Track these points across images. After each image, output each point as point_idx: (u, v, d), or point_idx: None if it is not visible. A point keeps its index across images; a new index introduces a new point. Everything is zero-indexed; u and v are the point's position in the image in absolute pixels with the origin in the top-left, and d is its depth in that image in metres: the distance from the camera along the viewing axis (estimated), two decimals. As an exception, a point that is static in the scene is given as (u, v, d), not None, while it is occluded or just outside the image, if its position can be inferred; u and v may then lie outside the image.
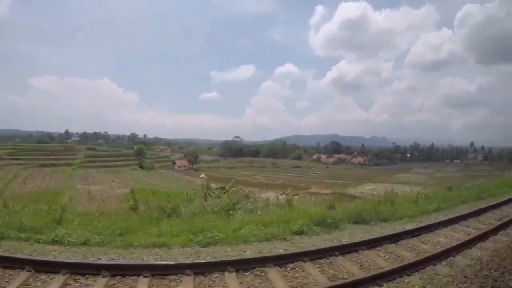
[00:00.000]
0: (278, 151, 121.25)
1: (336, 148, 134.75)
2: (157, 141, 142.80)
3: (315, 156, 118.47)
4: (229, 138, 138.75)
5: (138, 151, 67.77)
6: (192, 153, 74.13)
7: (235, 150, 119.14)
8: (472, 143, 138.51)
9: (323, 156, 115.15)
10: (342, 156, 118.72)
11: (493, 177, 24.00)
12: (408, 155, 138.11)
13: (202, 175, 59.27)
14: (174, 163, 71.62)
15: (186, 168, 70.01)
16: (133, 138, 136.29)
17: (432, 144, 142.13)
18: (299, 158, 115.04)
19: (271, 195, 36.97)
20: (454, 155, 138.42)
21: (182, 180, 53.99)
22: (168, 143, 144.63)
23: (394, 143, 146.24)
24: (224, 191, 14.22)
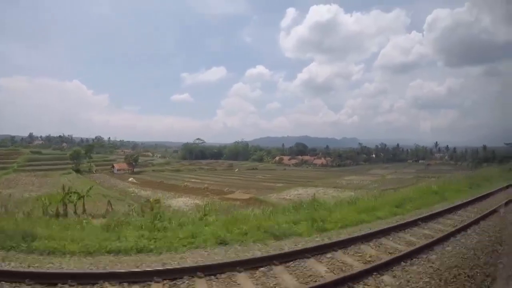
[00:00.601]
0: (240, 153, 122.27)
1: (301, 150, 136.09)
2: (122, 144, 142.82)
3: (277, 158, 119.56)
4: (200, 140, 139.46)
5: (75, 155, 68.15)
6: (131, 156, 74.70)
7: (196, 153, 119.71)
8: (436, 143, 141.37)
9: (285, 158, 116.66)
10: (305, 157, 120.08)
11: (440, 179, 25.67)
12: (374, 156, 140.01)
13: (130, 179, 60.09)
14: (113, 166, 72.22)
15: (125, 171, 70.62)
16: (98, 141, 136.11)
17: (398, 144, 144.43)
18: (260, 160, 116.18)
19: (183, 200, 37.85)
20: (420, 155, 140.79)
21: (105, 184, 54.55)
22: (134, 146, 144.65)
23: (360, 143, 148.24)
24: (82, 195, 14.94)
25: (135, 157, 75.26)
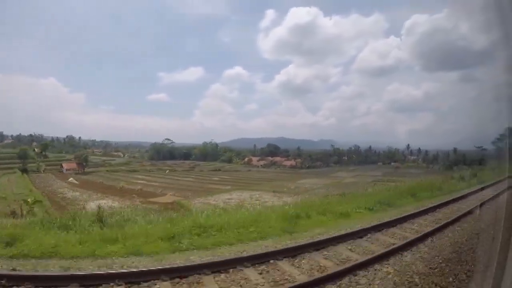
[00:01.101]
0: (209, 154, 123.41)
1: (272, 151, 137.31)
2: (94, 144, 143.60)
3: (246, 159, 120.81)
4: (177, 141, 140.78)
5: (21, 154, 69.12)
6: (81, 156, 75.77)
7: (164, 153, 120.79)
8: (408, 146, 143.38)
9: (254, 159, 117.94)
10: (276, 158, 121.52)
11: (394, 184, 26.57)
12: (346, 158, 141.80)
13: (70, 179, 61.07)
14: (61, 166, 73.26)
15: (74, 171, 71.67)
16: (69, 140, 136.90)
17: (370, 147, 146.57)
18: (229, 161, 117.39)
19: (104, 202, 39.02)
20: (393, 158, 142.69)
21: (40, 184, 55.12)
22: (106, 145, 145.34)
23: (332, 145, 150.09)
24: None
25: (85, 156, 76.21)
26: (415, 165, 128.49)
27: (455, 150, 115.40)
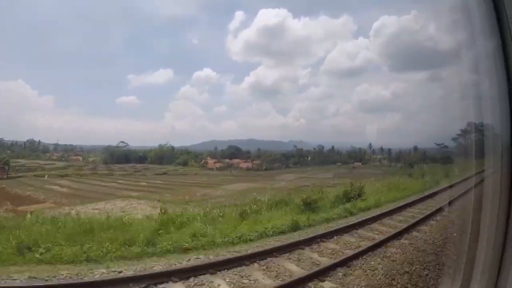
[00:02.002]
0: (166, 157, 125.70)
1: (233, 153, 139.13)
2: (55, 148, 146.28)
3: (202, 162, 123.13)
4: (148, 144, 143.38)
5: None
6: (1, 160, 78.90)
7: (118, 156, 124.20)
8: (370, 145, 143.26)
9: (211, 162, 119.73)
10: (232, 161, 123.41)
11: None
12: (308, 158, 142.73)
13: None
14: (-18, 171, 77.50)
15: (-6, 177, 75.58)
16: (30, 144, 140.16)
17: (333, 147, 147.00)
18: (185, 164, 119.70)
19: None
20: (357, 158, 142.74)
21: None
22: (67, 149, 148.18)
23: (295, 146, 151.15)
24: None
25: (6, 160, 79.60)
26: (377, 164, 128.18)
27: (415, 148, 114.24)
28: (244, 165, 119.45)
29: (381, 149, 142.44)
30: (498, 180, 2.09)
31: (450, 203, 14.22)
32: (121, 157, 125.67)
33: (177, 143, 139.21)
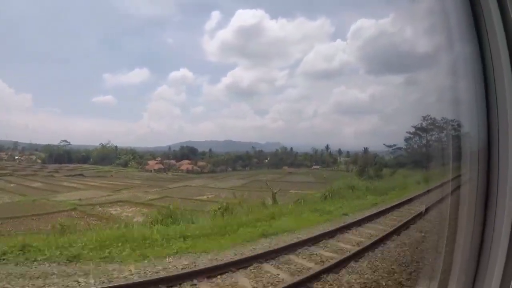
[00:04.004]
0: (108, 157, 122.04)
1: (186, 153, 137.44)
2: (15, 146, 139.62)
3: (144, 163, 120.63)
4: (124, 145, 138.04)
5: None
6: None
7: (58, 156, 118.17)
8: (327, 146, 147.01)
9: (151, 162, 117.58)
10: (172, 162, 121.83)
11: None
12: (267, 161, 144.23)
13: None
14: None
15: None
16: None
17: (291, 148, 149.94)
18: (125, 165, 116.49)
19: None
20: (317, 160, 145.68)
21: None
22: (24, 148, 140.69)
23: (253, 147, 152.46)
24: None
25: None
26: (342, 168, 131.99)
27: (365, 150, 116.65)
28: (184, 167, 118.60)
29: (339, 151, 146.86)
30: (474, 185, 2.15)
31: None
32: (62, 157, 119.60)
33: (154, 144, 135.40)
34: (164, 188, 67.14)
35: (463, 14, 2.25)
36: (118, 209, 37.50)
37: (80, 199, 46.07)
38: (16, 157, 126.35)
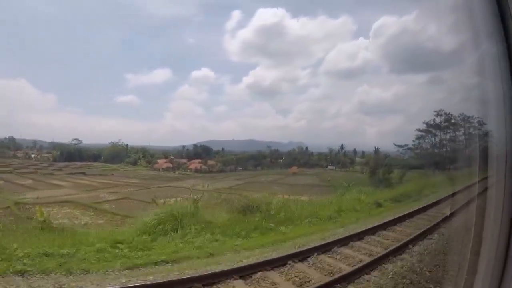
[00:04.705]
0: (119, 155, 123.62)
1: (200, 152, 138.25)
2: (34, 145, 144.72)
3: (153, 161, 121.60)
4: (149, 143, 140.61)
5: None
6: None
7: (69, 154, 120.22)
8: (342, 146, 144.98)
9: (161, 161, 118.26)
10: (183, 161, 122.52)
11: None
12: (281, 160, 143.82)
13: None
14: None
15: None
16: (10, 141, 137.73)
17: (307, 148, 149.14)
18: (134, 163, 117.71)
19: None
20: (333, 160, 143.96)
21: None
22: (41, 147, 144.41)
23: (268, 146, 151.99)
24: None
25: None
26: (358, 169, 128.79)
27: (376, 149, 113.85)
28: (193, 166, 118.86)
29: (354, 151, 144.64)
30: (501, 188, 2.07)
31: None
32: (73, 155, 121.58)
33: (177, 142, 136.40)
34: (148, 187, 64.53)
35: (489, 10, 2.16)
36: (55, 209, 36.68)
37: (38, 197, 45.73)
38: (33, 155, 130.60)
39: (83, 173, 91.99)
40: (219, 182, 77.37)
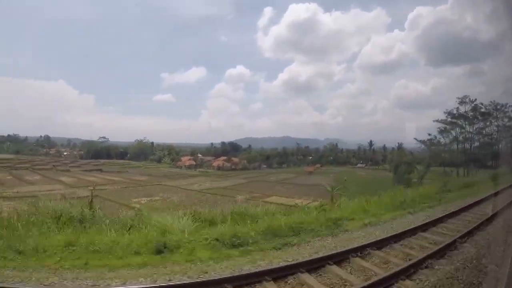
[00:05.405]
0: (145, 153, 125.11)
1: (227, 150, 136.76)
2: (69, 143, 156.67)
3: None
4: (186, 141, 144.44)
5: None
6: None
7: (96, 152, 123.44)
8: (371, 142, 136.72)
9: (184, 159, 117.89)
10: (207, 158, 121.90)
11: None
12: (310, 157, 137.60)
13: None
14: None
15: None
16: (44, 139, 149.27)
17: (336, 144, 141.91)
18: (159, 160, 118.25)
19: None
20: (361, 157, 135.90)
21: None
22: (75, 144, 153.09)
23: (297, 143, 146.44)
24: None
25: None
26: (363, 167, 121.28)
27: (399, 145, 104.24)
28: (216, 163, 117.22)
29: (384, 147, 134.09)
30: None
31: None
32: (101, 152, 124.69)
33: (214, 140, 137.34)
34: (140, 185, 63.89)
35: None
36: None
37: (17, 192, 46.54)
38: (65, 153, 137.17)
39: (100, 170, 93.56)
40: (225, 180, 75.25)
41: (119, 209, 26.02)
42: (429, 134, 68.65)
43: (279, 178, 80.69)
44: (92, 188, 14.99)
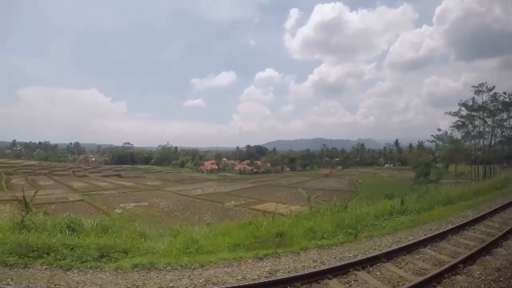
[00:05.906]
0: (168, 158, 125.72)
1: (252, 153, 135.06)
2: (98, 150, 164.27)
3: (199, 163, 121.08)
4: (217, 145, 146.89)
5: None
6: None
7: (120, 157, 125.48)
8: (397, 141, 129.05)
9: (207, 163, 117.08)
10: (228, 161, 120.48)
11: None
12: (337, 159, 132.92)
13: None
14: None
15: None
16: (74, 146, 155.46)
17: (363, 144, 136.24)
18: (182, 165, 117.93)
19: None
20: (388, 157, 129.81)
21: None
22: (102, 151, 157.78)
23: (324, 145, 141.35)
24: None
25: None
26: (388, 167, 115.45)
27: (420, 144, 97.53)
28: (238, 167, 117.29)
29: (410, 146, 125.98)
30: None
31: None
32: (125, 158, 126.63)
33: (243, 143, 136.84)
34: (140, 190, 62.00)
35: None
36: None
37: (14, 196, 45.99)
38: (93, 159, 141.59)
39: (118, 175, 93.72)
40: (233, 185, 73.04)
41: (94, 214, 23.79)
42: (439, 130, 61.83)
43: (291, 182, 77.36)
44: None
